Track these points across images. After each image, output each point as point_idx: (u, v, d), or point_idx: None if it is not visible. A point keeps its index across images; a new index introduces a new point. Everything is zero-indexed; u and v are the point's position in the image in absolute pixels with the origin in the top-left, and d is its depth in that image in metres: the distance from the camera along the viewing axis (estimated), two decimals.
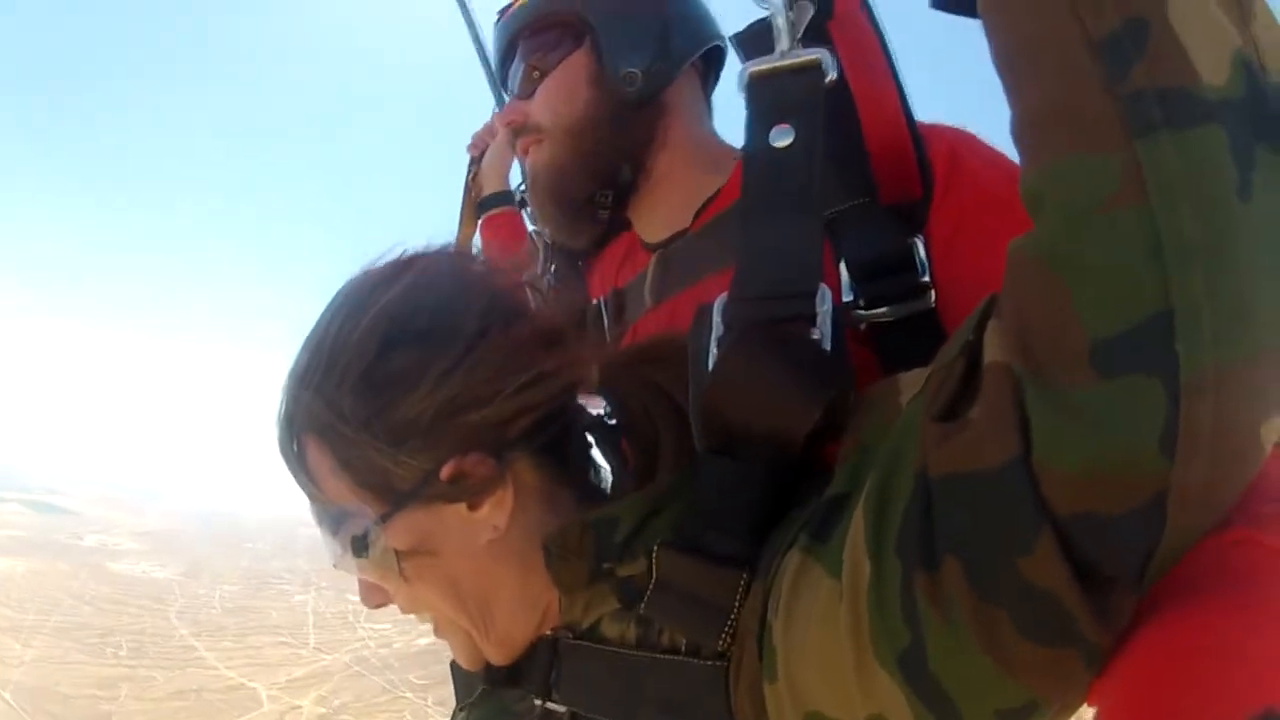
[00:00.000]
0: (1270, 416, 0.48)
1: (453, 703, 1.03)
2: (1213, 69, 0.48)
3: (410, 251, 0.89)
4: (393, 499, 0.80)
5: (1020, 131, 0.54)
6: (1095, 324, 0.48)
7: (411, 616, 0.89)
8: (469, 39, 1.94)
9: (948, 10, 0.68)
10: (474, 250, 0.99)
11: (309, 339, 0.85)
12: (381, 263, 0.88)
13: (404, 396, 0.79)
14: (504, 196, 1.77)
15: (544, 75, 1.19)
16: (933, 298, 0.91)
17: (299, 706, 55.18)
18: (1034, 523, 0.49)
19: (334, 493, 0.82)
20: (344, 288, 0.87)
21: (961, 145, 0.99)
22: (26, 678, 52.59)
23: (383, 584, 0.85)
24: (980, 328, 0.57)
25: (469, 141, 1.89)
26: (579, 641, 0.82)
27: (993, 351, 0.54)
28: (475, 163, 1.84)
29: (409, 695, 57.35)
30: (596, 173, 1.19)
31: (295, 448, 0.84)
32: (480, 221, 1.81)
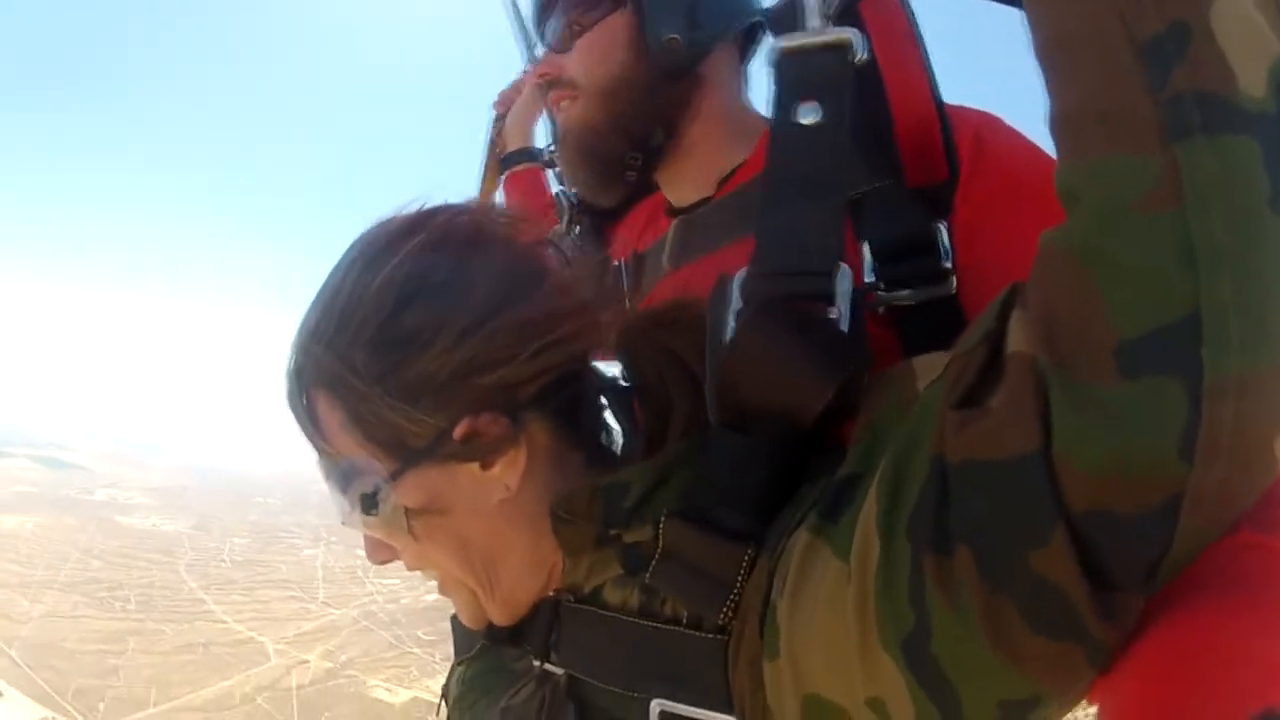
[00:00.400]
0: None
1: None
2: (1252, 80, 0.49)
3: (429, 205, 0.87)
4: (404, 456, 0.80)
5: (1058, 126, 0.55)
6: (1123, 323, 0.49)
7: (419, 573, 0.89)
8: None
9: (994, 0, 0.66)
10: (496, 205, 0.94)
11: (322, 291, 0.84)
12: (399, 216, 0.86)
13: (419, 354, 0.78)
14: (528, 153, 1.75)
15: (583, 32, 1.18)
16: (954, 283, 0.91)
17: (306, 661, 56.03)
18: (1049, 516, 0.50)
19: (344, 448, 0.82)
20: (360, 240, 0.85)
21: (987, 129, 0.99)
22: (34, 633, 53.50)
23: (390, 541, 0.85)
24: (1003, 316, 0.57)
25: (494, 99, 1.89)
26: (581, 605, 0.82)
27: (1016, 341, 0.55)
28: (500, 119, 1.82)
29: (416, 651, 58.10)
30: (629, 134, 1.18)
31: (305, 401, 0.83)
32: (503, 178, 1.78)
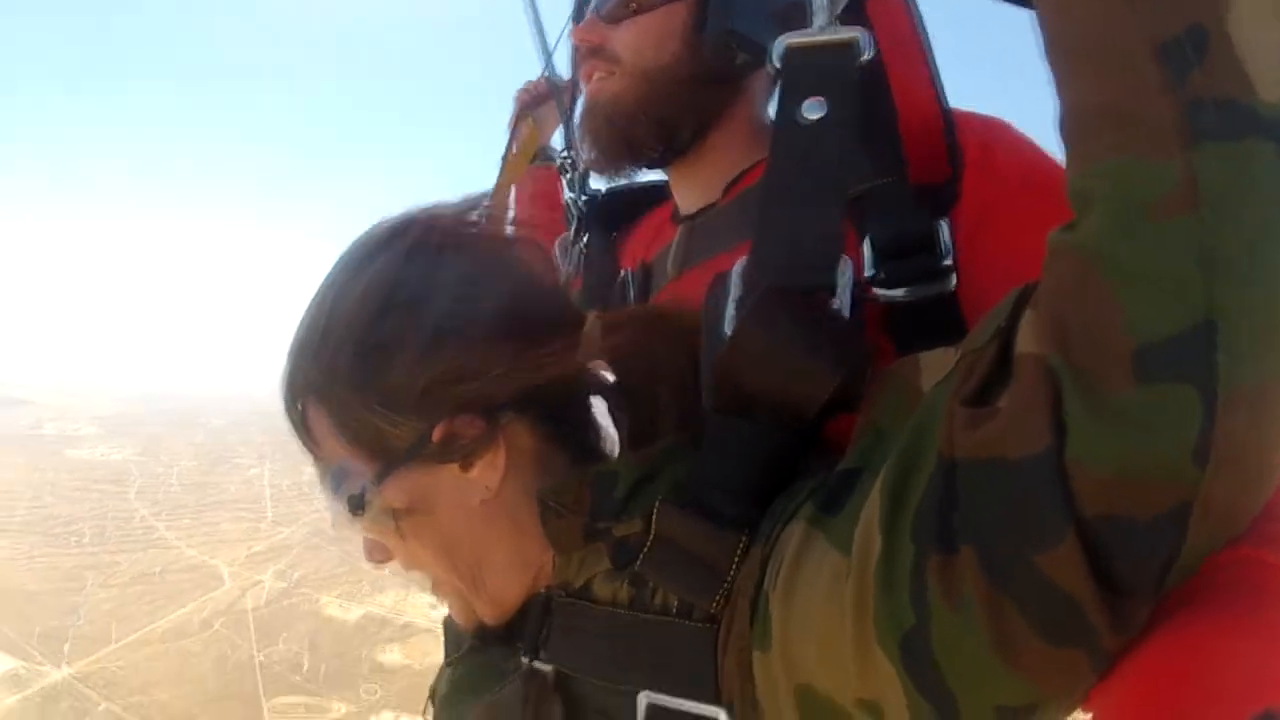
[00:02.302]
0: None
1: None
2: (1269, 85, 0.48)
3: (415, 209, 0.89)
4: (387, 459, 0.82)
5: (1070, 126, 0.54)
6: (1140, 329, 0.48)
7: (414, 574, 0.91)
8: None
9: None
10: (485, 206, 1.00)
11: (312, 300, 0.87)
12: (384, 222, 0.88)
13: (398, 360, 0.80)
14: (547, 154, 1.85)
15: (640, 10, 1.17)
16: (953, 281, 0.91)
17: (260, 581, 58.27)
18: (1060, 520, 0.49)
19: (333, 453, 0.85)
20: (347, 250, 0.88)
21: (993, 132, 1.00)
22: None
23: (383, 541, 0.89)
24: (1014, 315, 0.57)
25: (518, 89, 1.95)
26: (571, 600, 0.83)
27: (1027, 342, 0.54)
28: (524, 109, 1.89)
29: (365, 566, 60.20)
30: (659, 125, 1.18)
31: (298, 408, 0.86)
32: (523, 172, 1.85)
